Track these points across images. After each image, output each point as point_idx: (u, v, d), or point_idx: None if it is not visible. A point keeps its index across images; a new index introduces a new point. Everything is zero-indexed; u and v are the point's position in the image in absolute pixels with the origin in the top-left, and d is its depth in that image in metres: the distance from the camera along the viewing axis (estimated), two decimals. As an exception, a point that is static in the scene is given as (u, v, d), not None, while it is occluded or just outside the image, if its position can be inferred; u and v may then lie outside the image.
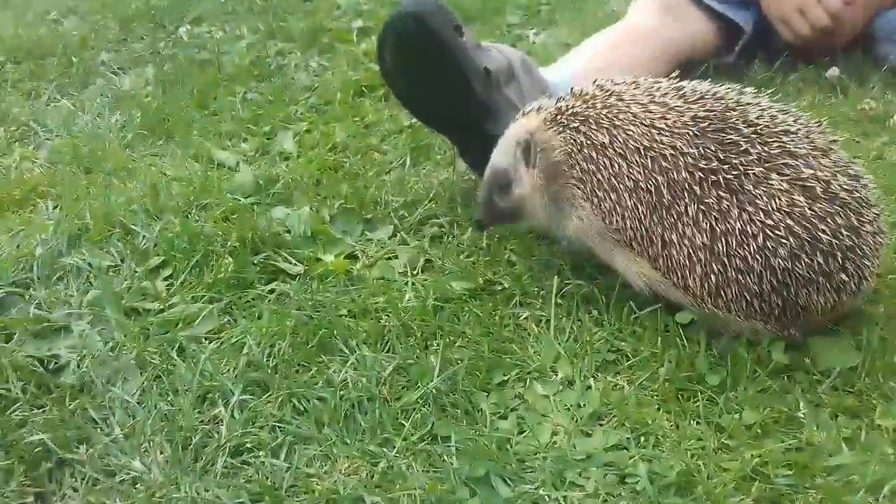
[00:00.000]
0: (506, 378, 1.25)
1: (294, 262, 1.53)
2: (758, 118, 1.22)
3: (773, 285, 1.17)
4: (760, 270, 1.17)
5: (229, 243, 1.55)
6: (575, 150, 1.30)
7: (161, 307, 1.43)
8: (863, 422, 1.13)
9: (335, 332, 1.33)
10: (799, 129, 1.22)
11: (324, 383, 1.24)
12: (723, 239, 1.18)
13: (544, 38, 2.54)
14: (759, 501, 1.02)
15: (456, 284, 1.44)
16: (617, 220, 1.27)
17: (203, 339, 1.35)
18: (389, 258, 1.56)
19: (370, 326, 1.35)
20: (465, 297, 1.42)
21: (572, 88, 1.37)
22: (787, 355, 1.20)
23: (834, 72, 2.03)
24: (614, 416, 1.17)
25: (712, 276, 1.20)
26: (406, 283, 1.46)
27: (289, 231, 1.61)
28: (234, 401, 1.21)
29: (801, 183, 1.17)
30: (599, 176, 1.28)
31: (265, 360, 1.28)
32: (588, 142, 1.29)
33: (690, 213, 1.20)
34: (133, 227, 1.63)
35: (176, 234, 1.58)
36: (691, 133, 1.22)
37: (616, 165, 1.26)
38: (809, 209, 1.16)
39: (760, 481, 1.04)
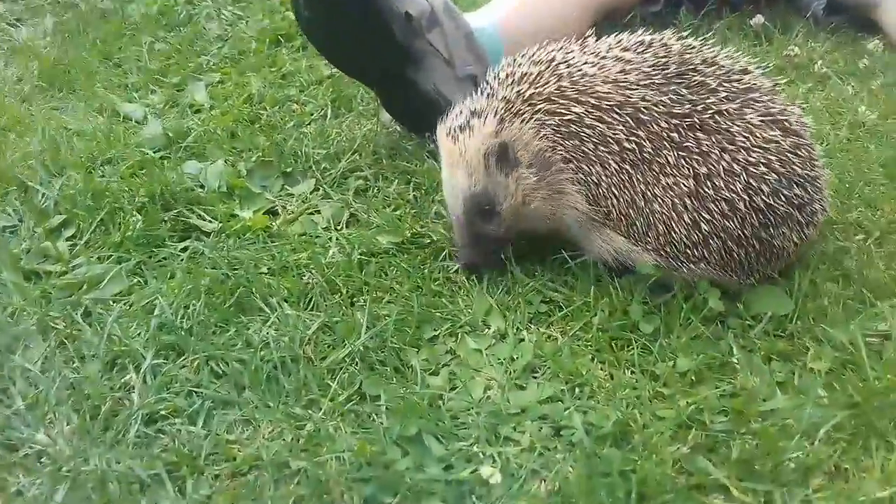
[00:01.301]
0: (436, 333, 1.20)
1: (209, 218, 1.44)
2: (715, 57, 1.20)
3: (754, 227, 1.16)
4: (745, 211, 1.15)
5: (137, 199, 1.45)
6: (551, 131, 1.21)
7: (63, 269, 1.33)
8: (795, 365, 1.13)
9: (254, 290, 1.25)
10: (754, 70, 1.22)
11: (243, 344, 1.17)
12: (707, 182, 1.15)
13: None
14: (696, 449, 1.00)
15: (382, 238, 1.38)
16: (602, 191, 1.20)
17: (110, 302, 1.26)
18: (311, 213, 1.48)
19: (292, 284, 1.27)
20: (393, 251, 1.36)
21: (501, 73, 1.26)
22: (721, 302, 1.18)
23: (759, 20, 2.02)
24: (548, 367, 1.14)
25: (702, 224, 1.16)
26: (330, 239, 1.39)
27: (202, 186, 1.52)
28: (147, 366, 1.13)
29: (771, 118, 1.16)
30: (585, 148, 1.19)
31: (179, 321, 1.20)
32: (563, 118, 1.20)
33: (672, 161, 1.16)
34: (31, 184, 1.51)
35: (78, 190, 1.47)
36: (656, 81, 1.18)
37: (599, 131, 1.18)
38: (783, 143, 1.15)
39: (696, 428, 1.03)
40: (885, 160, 1.52)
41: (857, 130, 1.65)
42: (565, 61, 1.22)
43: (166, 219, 1.42)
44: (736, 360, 1.13)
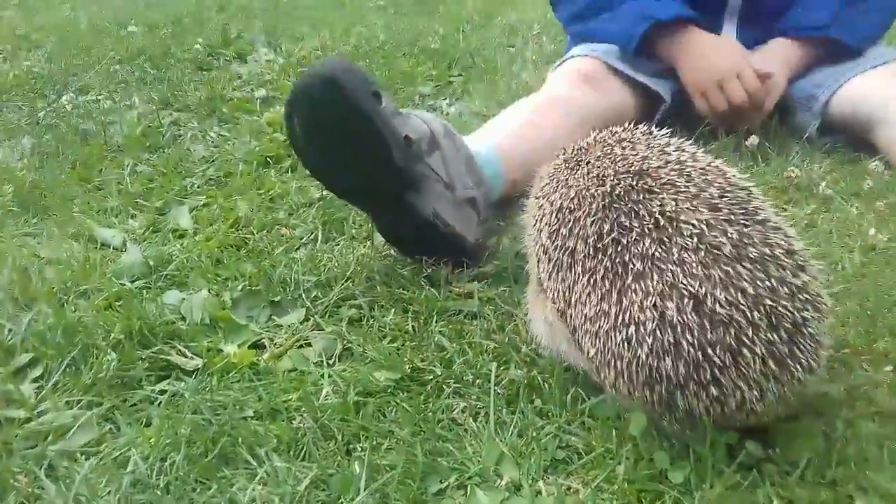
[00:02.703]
0: (443, 486, 1.08)
1: (190, 355, 1.32)
2: (669, 211, 1.04)
3: (642, 378, 1.04)
4: (629, 359, 1.04)
5: (112, 335, 1.33)
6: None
7: (28, 416, 1.20)
8: (844, 520, 1.02)
9: (240, 438, 1.13)
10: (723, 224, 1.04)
11: (227, 504, 1.04)
12: (601, 318, 1.08)
13: (459, 109, 2.45)
14: None
15: (380, 374, 1.27)
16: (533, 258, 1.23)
17: (78, 455, 1.12)
18: (302, 346, 1.37)
19: (282, 430, 1.15)
20: (391, 388, 1.25)
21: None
22: (759, 445, 1.07)
23: (754, 140, 2.00)
24: (572, 527, 1.01)
25: (591, 350, 1.10)
26: (322, 376, 1.28)
27: (184, 319, 1.41)
28: (116, 532, 0.99)
29: (677, 289, 1.01)
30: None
31: (154, 478, 1.07)
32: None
33: (581, 283, 1.11)
34: (-2, 319, 1.39)
35: (48, 326, 1.36)
36: (597, 205, 1.11)
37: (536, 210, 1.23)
38: (678, 317, 1.00)
39: None
40: (905, 285, 1.45)
41: (869, 254, 1.59)
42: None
43: (144, 357, 1.30)
44: (779, 515, 1.01)
